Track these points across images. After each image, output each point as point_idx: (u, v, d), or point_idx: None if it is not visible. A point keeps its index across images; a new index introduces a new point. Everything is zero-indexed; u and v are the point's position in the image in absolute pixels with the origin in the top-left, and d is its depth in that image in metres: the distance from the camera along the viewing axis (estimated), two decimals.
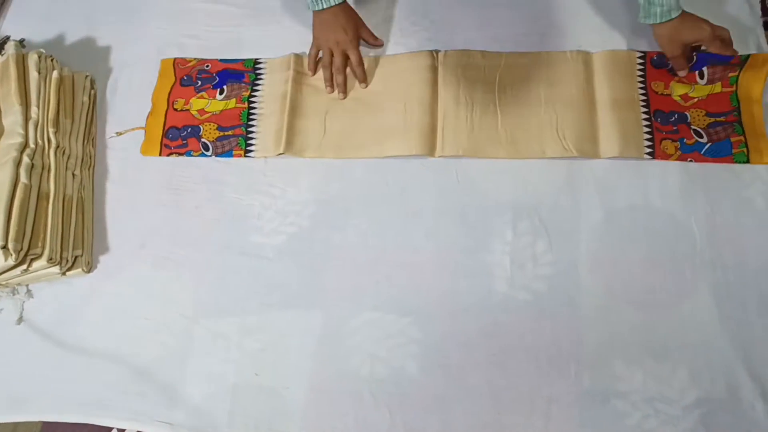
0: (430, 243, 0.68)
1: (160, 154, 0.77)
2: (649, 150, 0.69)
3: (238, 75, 0.80)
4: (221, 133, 0.77)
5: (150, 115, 0.79)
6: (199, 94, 0.79)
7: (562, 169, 0.71)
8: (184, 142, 0.77)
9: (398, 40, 0.81)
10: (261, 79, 0.79)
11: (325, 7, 0.73)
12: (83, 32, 0.87)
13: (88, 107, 0.78)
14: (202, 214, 0.73)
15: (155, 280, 0.69)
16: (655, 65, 0.74)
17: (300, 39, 0.81)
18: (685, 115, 0.71)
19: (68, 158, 0.72)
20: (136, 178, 0.76)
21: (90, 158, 0.76)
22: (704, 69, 0.73)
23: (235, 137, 0.76)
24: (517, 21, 0.80)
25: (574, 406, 0.60)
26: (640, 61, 0.75)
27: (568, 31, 0.79)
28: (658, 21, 0.69)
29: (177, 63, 0.82)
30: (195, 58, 0.82)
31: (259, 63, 0.80)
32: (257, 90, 0.78)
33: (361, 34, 0.78)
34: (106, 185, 0.76)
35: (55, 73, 0.74)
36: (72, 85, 0.77)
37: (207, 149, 0.76)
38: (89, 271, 0.70)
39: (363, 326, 0.65)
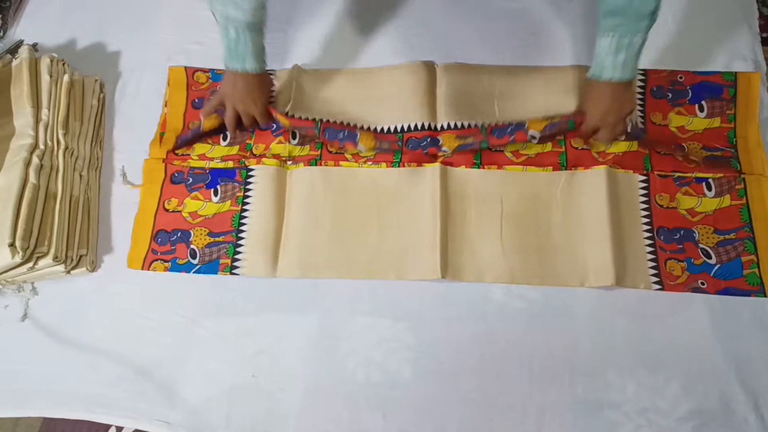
0: None
1: (142, 267, 0.71)
2: (654, 272, 0.65)
3: (230, 173, 0.75)
4: (211, 240, 0.72)
5: (138, 216, 0.74)
6: (192, 194, 0.74)
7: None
8: (173, 248, 0.72)
9: (400, 50, 0.82)
10: (252, 179, 0.74)
11: (240, 70, 0.68)
12: (94, 38, 0.89)
13: (97, 110, 0.80)
14: None
15: (157, 280, 0.71)
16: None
17: (305, 48, 0.83)
18: (692, 231, 0.67)
19: (76, 159, 0.74)
20: (141, 180, 0.78)
21: (97, 160, 0.78)
22: (703, 102, 0.71)
23: (225, 244, 0.71)
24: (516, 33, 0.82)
25: (567, 414, 0.60)
26: (643, 177, 0.70)
27: (566, 46, 0.80)
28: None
29: (190, 85, 0.82)
30: (208, 75, 0.83)
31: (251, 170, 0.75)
32: (249, 191, 0.74)
33: (263, 110, 0.72)
34: (112, 186, 0.77)
35: (66, 77, 0.76)
36: (82, 89, 0.79)
37: (194, 257, 0.71)
38: (93, 270, 0.71)
39: (359, 330, 0.66)
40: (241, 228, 0.72)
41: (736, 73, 0.69)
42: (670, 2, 0.79)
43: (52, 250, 0.66)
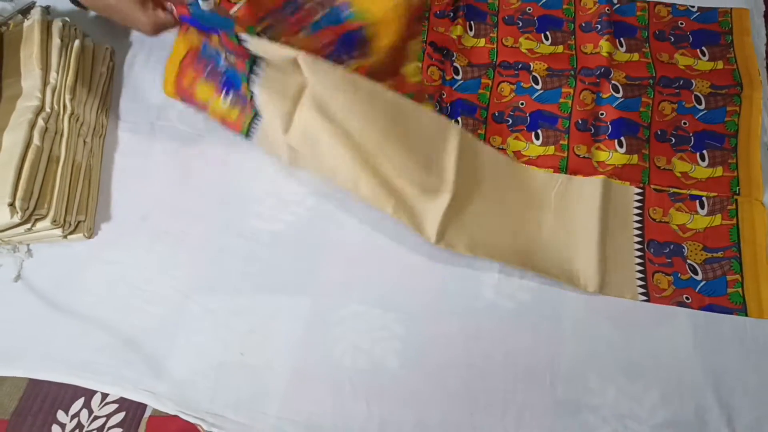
0: (424, 244, 0.70)
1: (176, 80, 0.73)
2: (641, 284, 0.67)
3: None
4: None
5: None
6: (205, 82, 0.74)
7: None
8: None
9: None
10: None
11: None
12: None
13: (105, 78, 0.80)
14: (205, 193, 0.75)
15: (153, 251, 0.71)
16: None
17: None
18: (682, 247, 0.69)
19: (81, 125, 0.74)
20: (144, 152, 0.78)
21: (102, 128, 0.78)
22: (704, 48, 0.80)
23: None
24: None
25: (546, 414, 0.62)
26: (639, 190, 0.72)
27: None
28: None
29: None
30: None
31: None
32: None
33: None
34: (115, 156, 0.78)
35: (77, 42, 0.76)
36: (92, 56, 0.79)
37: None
38: (90, 236, 0.71)
39: (349, 317, 0.67)
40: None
41: (731, 19, 0.81)
42: None
43: (51, 213, 0.66)
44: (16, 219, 0.63)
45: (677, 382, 0.62)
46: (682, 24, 0.83)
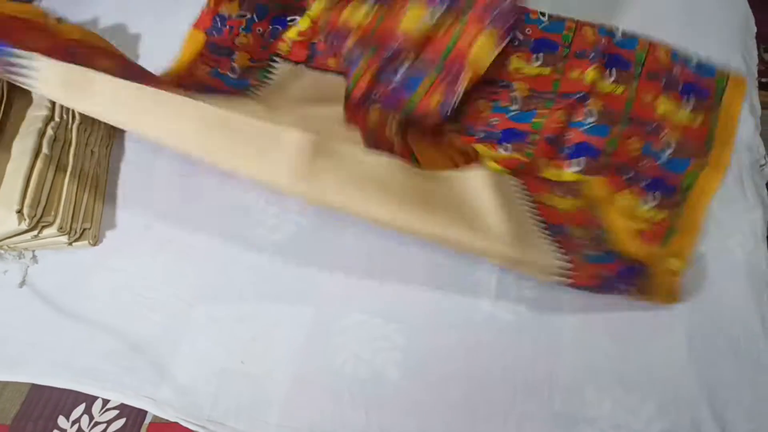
0: (425, 255, 0.71)
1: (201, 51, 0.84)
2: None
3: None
4: (250, 64, 0.84)
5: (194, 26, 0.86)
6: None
7: None
8: (218, 59, 0.84)
9: None
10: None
11: None
12: (116, 18, 0.91)
13: None
14: (209, 203, 0.76)
15: (157, 260, 0.72)
16: None
17: None
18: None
19: (89, 135, 0.75)
20: (149, 162, 0.79)
21: (109, 138, 0.79)
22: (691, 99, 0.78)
23: (257, 70, 0.84)
24: None
25: (544, 425, 0.62)
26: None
27: None
28: None
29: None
30: None
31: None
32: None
33: None
34: (121, 166, 0.79)
35: None
36: None
37: (234, 72, 0.83)
38: (95, 244, 0.73)
39: (351, 327, 0.68)
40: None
41: (726, 83, 0.79)
42: (669, 38, 0.82)
43: (58, 221, 0.67)
44: (24, 226, 0.64)
45: (673, 395, 0.63)
46: (677, 71, 0.80)
